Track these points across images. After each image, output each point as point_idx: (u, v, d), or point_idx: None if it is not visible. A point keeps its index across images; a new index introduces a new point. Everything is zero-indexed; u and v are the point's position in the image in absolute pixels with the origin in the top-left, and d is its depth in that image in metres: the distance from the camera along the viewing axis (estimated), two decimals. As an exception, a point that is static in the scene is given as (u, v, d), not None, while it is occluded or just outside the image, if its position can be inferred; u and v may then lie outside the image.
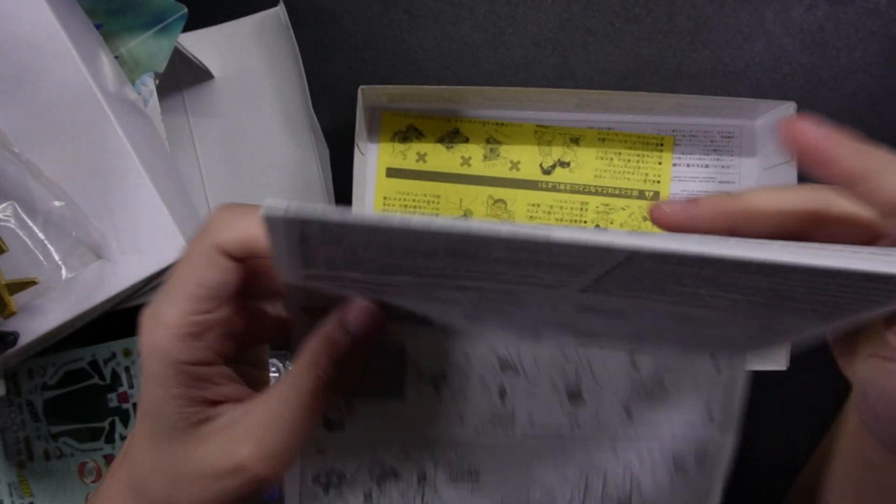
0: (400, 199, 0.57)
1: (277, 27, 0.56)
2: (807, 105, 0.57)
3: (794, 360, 0.52)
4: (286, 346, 0.29)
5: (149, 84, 0.48)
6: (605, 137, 0.57)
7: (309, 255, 0.22)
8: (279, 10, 0.55)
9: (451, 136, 0.57)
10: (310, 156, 0.57)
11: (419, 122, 0.57)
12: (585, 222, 0.56)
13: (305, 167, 0.57)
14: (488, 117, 0.57)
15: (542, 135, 0.57)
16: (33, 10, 0.42)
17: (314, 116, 0.53)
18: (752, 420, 0.57)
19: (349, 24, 0.57)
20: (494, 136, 0.57)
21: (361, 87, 0.51)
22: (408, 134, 0.57)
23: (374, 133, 0.57)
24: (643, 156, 0.57)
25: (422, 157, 0.57)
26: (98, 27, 0.48)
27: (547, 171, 0.57)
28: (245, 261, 0.27)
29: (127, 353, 0.56)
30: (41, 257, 0.41)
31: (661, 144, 0.57)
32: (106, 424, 0.56)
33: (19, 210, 0.40)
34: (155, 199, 0.43)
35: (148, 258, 0.43)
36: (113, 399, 0.56)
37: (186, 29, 0.51)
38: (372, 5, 0.57)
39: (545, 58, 0.57)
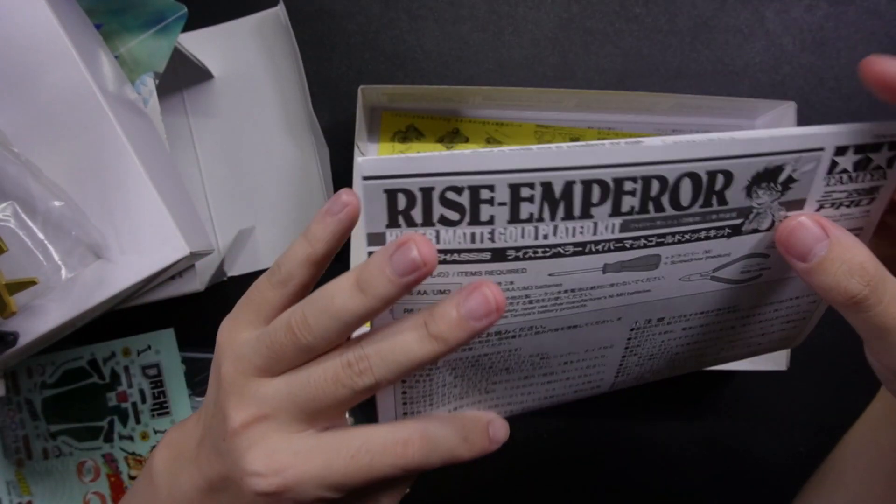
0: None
1: (277, 27, 0.56)
2: (807, 105, 0.57)
3: (794, 360, 0.52)
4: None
5: (148, 84, 0.48)
6: (605, 137, 0.57)
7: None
8: (279, 10, 0.55)
9: (451, 136, 0.57)
10: (310, 156, 0.56)
11: (419, 122, 0.57)
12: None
13: (305, 167, 0.57)
14: (488, 117, 0.57)
15: (542, 135, 0.57)
16: (33, 10, 0.42)
17: (314, 116, 0.53)
18: (752, 420, 0.57)
19: (349, 23, 0.57)
20: (494, 136, 0.57)
21: (361, 86, 0.51)
22: (408, 134, 0.57)
23: (374, 133, 0.57)
24: (643, 156, 0.57)
25: (422, 157, 0.57)
26: (98, 27, 0.48)
27: (547, 171, 0.57)
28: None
29: (126, 352, 0.56)
30: (41, 257, 0.40)
31: (661, 144, 0.57)
32: (105, 423, 0.56)
33: (19, 210, 0.40)
34: (155, 198, 0.43)
35: (148, 258, 0.42)
36: (112, 398, 0.56)
37: (186, 29, 0.51)
38: (372, 5, 0.57)
39: (545, 58, 0.57)
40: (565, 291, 0.30)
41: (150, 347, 0.56)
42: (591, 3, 0.57)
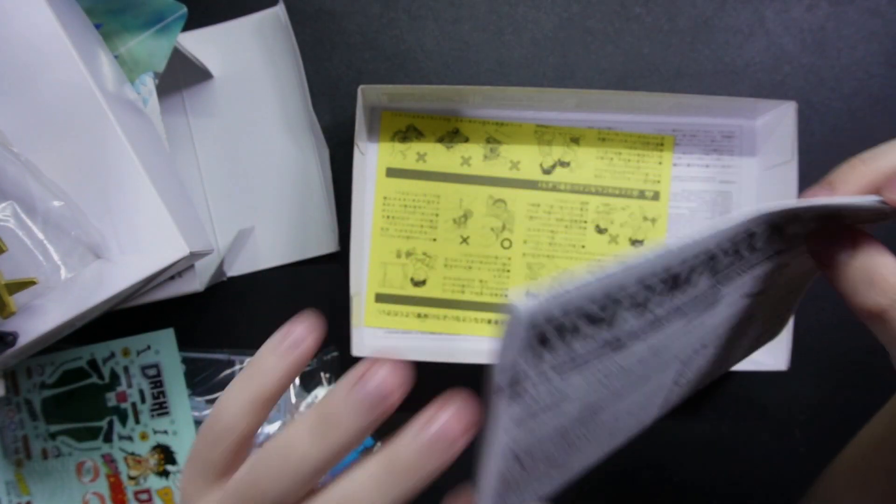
0: (400, 199, 0.57)
1: (277, 27, 0.56)
2: (807, 105, 0.57)
3: (794, 359, 0.52)
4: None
5: (148, 84, 0.48)
6: (605, 137, 0.57)
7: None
8: (279, 10, 0.55)
9: (451, 135, 0.57)
10: (310, 156, 0.57)
11: (419, 122, 0.57)
12: (585, 222, 0.56)
13: (305, 167, 0.57)
14: (488, 117, 0.57)
15: (542, 134, 0.57)
16: (33, 10, 0.42)
17: (314, 116, 0.53)
18: (752, 420, 0.57)
19: (349, 23, 0.57)
20: (494, 135, 0.57)
21: (361, 86, 0.51)
22: (408, 134, 0.57)
23: (374, 133, 0.57)
24: (643, 156, 0.57)
25: (422, 157, 0.57)
26: (97, 27, 0.48)
27: (547, 171, 0.57)
28: None
29: (126, 352, 0.56)
30: (40, 257, 0.40)
31: (662, 144, 0.57)
32: (104, 424, 0.57)
33: (18, 210, 0.40)
34: (154, 198, 0.43)
35: (147, 258, 0.42)
36: (111, 398, 0.56)
37: (186, 28, 0.51)
38: (372, 5, 0.57)
39: (545, 57, 0.57)
40: (654, 355, 0.28)
41: (149, 347, 0.56)
42: (591, 3, 0.57)
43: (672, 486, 0.57)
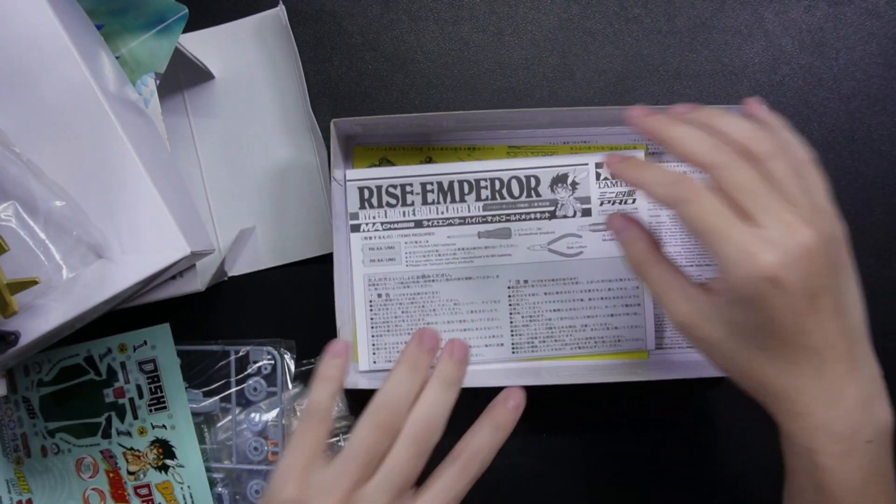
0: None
1: (277, 27, 0.56)
2: (805, 105, 0.57)
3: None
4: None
5: (150, 84, 0.48)
6: (577, 152, 0.56)
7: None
8: (279, 11, 0.55)
9: (426, 165, 0.56)
10: (310, 156, 0.57)
11: (392, 154, 0.56)
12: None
13: (305, 167, 0.57)
14: (460, 141, 0.56)
15: (515, 154, 0.56)
16: (34, 11, 0.42)
17: (313, 116, 0.53)
18: (752, 420, 0.57)
19: (349, 24, 0.57)
20: (467, 160, 0.56)
21: (333, 120, 0.51)
22: (381, 166, 0.56)
23: (349, 166, 0.56)
24: (618, 166, 0.56)
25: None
26: (99, 27, 0.48)
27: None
28: None
29: (122, 348, 0.56)
30: (42, 257, 0.41)
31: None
32: (102, 420, 0.57)
33: (20, 210, 0.40)
34: (156, 198, 0.43)
35: (149, 258, 0.43)
36: (109, 394, 0.57)
37: (187, 29, 0.51)
38: (372, 6, 0.57)
39: (545, 58, 0.57)
40: (459, 249, 0.52)
41: (145, 343, 0.56)
42: (590, 4, 0.57)
43: (672, 485, 0.57)
